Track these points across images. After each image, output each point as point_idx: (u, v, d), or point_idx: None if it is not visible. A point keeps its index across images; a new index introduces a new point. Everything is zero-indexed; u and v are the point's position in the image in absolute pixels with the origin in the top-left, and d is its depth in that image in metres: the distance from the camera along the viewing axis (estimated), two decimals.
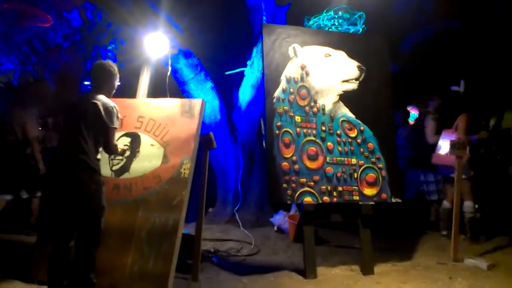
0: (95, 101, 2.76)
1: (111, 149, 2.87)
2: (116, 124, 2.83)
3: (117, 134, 3.42)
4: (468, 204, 4.50)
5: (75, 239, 2.74)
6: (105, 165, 3.39)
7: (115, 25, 5.10)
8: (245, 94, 5.20)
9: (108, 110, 2.77)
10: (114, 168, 3.41)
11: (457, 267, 3.77)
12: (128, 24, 4.21)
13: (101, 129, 2.76)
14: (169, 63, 3.93)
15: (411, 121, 6.54)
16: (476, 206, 4.62)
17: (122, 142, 3.41)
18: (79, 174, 2.66)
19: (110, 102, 2.83)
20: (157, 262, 2.98)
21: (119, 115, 2.91)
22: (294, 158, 3.59)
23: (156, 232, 3.07)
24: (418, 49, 5.98)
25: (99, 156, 2.82)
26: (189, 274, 3.31)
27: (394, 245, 4.50)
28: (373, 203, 3.73)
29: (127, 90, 4.03)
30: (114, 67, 2.95)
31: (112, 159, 3.42)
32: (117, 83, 3.01)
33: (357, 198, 3.70)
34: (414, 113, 6.71)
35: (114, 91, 3.03)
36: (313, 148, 3.68)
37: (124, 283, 2.96)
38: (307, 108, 3.75)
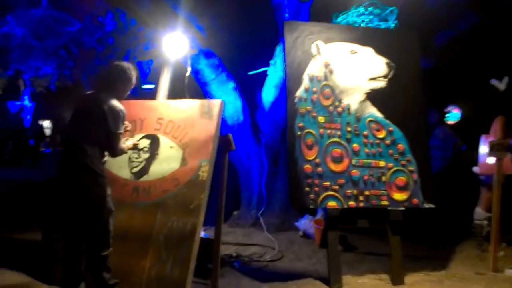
0: (102, 105, 2.71)
1: (115, 154, 2.84)
2: (121, 129, 2.80)
3: (137, 136, 3.42)
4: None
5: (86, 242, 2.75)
6: (125, 167, 3.38)
7: (147, 29, 5.10)
8: (268, 94, 5.09)
9: (115, 115, 2.73)
10: (134, 170, 3.38)
11: (497, 278, 3.50)
12: (148, 26, 4.18)
13: (105, 134, 2.72)
14: (189, 63, 3.86)
15: (451, 121, 6.18)
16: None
17: (142, 145, 3.38)
18: (84, 179, 2.66)
19: (117, 105, 2.77)
20: (175, 267, 2.91)
21: (125, 121, 2.86)
22: (317, 160, 3.43)
23: (174, 236, 3.00)
24: (453, 44, 5.65)
25: (105, 159, 2.80)
26: (209, 279, 3.21)
27: (427, 252, 4.25)
28: (403, 208, 3.51)
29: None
30: (131, 72, 2.89)
31: (132, 161, 3.39)
32: (129, 88, 2.96)
33: (386, 203, 3.49)
34: (456, 112, 6.32)
35: (126, 95, 2.98)
36: (338, 150, 3.50)
37: None
38: (331, 107, 3.57)
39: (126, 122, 3.10)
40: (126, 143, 3.01)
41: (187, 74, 3.85)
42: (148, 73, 6.69)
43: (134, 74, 2.92)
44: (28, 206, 5.60)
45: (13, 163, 12.87)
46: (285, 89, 3.58)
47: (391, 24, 4.37)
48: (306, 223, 4.65)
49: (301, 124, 3.47)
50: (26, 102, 15.44)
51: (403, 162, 3.61)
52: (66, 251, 2.79)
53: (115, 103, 2.77)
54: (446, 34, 5.50)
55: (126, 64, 2.89)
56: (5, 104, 15.38)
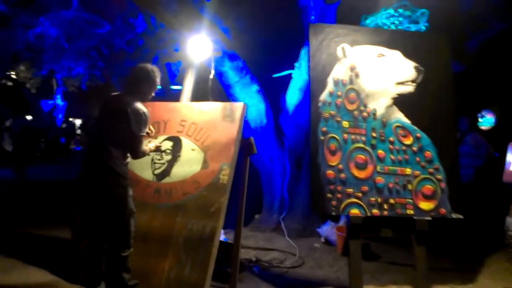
0: (126, 107, 2.74)
1: (138, 156, 2.86)
2: (144, 131, 2.81)
3: (160, 138, 3.45)
4: None
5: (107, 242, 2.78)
6: (148, 168, 3.42)
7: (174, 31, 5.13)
8: (292, 97, 5.02)
9: (138, 118, 2.75)
10: (156, 172, 3.41)
11: None
12: (173, 28, 4.20)
13: (128, 135, 2.73)
14: (213, 66, 3.85)
15: (484, 126, 5.92)
16: None
17: (164, 146, 3.40)
18: (106, 179, 2.70)
19: (141, 108, 2.79)
20: (193, 270, 2.90)
21: (147, 123, 2.87)
22: (340, 166, 3.34)
23: (193, 239, 3.01)
24: (487, 47, 5.40)
25: (128, 160, 2.82)
26: (228, 283, 3.19)
27: (454, 265, 4.08)
28: (430, 218, 3.37)
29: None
30: (155, 74, 2.90)
31: (154, 163, 3.42)
32: (154, 91, 2.97)
33: (412, 212, 3.36)
34: (489, 117, 6.05)
35: (150, 97, 2.99)
36: (362, 156, 3.40)
37: None
38: (356, 112, 3.48)
39: (149, 126, 3.14)
40: (149, 145, 3.03)
41: (211, 76, 3.84)
42: (176, 74, 6.74)
43: (158, 76, 2.93)
44: (60, 203, 5.74)
45: (46, 160, 13.30)
46: (309, 93, 3.51)
47: (422, 26, 4.23)
48: (328, 230, 4.56)
49: (324, 129, 3.39)
50: (59, 101, 15.92)
51: (430, 170, 3.47)
52: (88, 250, 2.85)
53: (139, 105, 2.79)
54: (480, 36, 5.26)
55: (150, 67, 2.90)
56: (39, 103, 15.92)
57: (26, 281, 3.37)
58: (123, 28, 6.13)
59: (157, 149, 3.20)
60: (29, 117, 17.10)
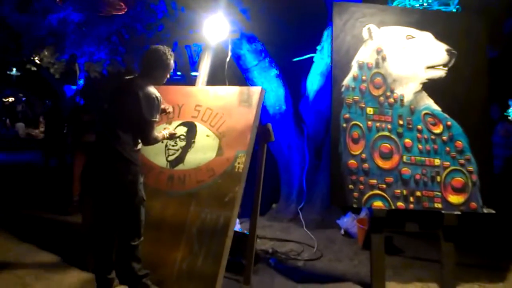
0: (137, 91, 2.61)
1: (149, 142, 2.73)
2: (156, 117, 2.68)
3: (174, 123, 3.33)
4: None
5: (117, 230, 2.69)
6: (162, 154, 3.31)
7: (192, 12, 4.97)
8: (313, 82, 4.81)
9: (150, 102, 2.61)
10: (170, 158, 3.30)
11: None
12: (190, 8, 4.03)
13: (139, 121, 2.61)
14: (230, 48, 3.68)
15: None
16: None
17: (179, 132, 3.28)
18: (116, 165, 2.59)
19: (153, 92, 2.66)
20: (207, 261, 2.80)
21: (163, 106, 2.78)
22: (363, 155, 3.14)
23: (206, 229, 2.90)
24: None
25: (139, 147, 2.71)
26: (242, 275, 3.07)
27: (483, 261, 3.84)
28: (459, 213, 3.14)
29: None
30: (168, 56, 2.76)
31: (168, 149, 3.31)
32: (167, 74, 2.84)
33: (440, 206, 3.14)
34: None
35: (164, 81, 2.86)
36: (387, 145, 3.19)
37: (171, 281, 2.84)
38: (381, 98, 3.26)
39: (166, 105, 3.06)
40: (163, 132, 2.91)
41: (228, 59, 3.67)
42: (196, 60, 6.63)
43: (171, 58, 2.78)
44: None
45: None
46: (331, 77, 3.31)
47: (453, 9, 3.95)
48: (348, 222, 4.37)
49: (347, 116, 3.19)
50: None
51: (461, 161, 3.24)
52: (98, 238, 2.77)
53: (151, 89, 2.66)
54: None
55: (162, 49, 2.75)
56: (62, 88, 16.13)
57: (40, 267, 3.34)
58: (143, 13, 6.05)
59: (172, 137, 3.07)
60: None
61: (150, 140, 2.70)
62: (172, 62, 2.81)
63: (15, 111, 20.14)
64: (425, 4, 4.09)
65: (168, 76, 2.87)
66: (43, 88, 15.58)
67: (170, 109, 3.18)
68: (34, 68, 12.23)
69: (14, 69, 17.15)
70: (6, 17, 6.79)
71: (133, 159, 2.63)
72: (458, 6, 3.92)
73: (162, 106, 2.81)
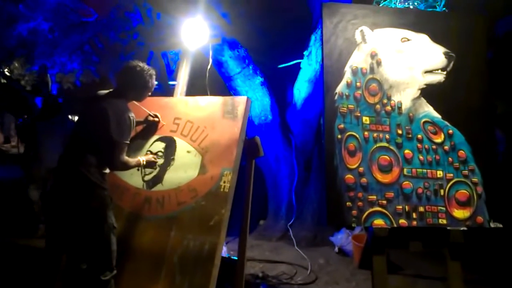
0: (107, 108, 2.31)
1: (115, 167, 2.42)
2: (127, 139, 2.38)
3: (151, 139, 2.99)
4: None
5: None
6: (137, 174, 2.97)
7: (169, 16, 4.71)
8: (301, 90, 4.56)
9: (120, 122, 2.32)
10: (146, 178, 2.95)
11: None
12: (167, 13, 3.73)
13: (106, 141, 2.30)
14: (210, 55, 3.37)
15: None
16: None
17: (156, 148, 2.95)
18: (80, 190, 2.28)
19: (125, 111, 2.37)
20: None
21: (150, 114, 2.64)
22: (361, 169, 2.86)
23: (189, 257, 2.58)
24: None
25: (108, 170, 2.37)
26: None
27: (491, 278, 3.63)
28: (465, 228, 2.89)
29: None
30: (145, 77, 2.50)
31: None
32: (147, 94, 2.59)
33: (444, 221, 2.88)
34: None
35: (143, 99, 2.63)
36: (386, 156, 2.92)
37: None
38: (378, 106, 3.00)
39: (155, 113, 2.88)
40: (140, 158, 2.62)
41: (209, 66, 3.36)
42: (173, 69, 6.38)
43: (150, 79, 2.54)
44: None
45: None
46: (322, 85, 3.03)
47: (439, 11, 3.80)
48: (343, 239, 4.09)
49: (341, 126, 2.91)
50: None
51: (465, 172, 2.99)
52: (67, 272, 2.41)
53: (123, 107, 2.38)
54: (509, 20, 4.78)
55: (140, 67, 2.48)
56: (34, 100, 15.50)
57: None
58: (117, 21, 5.77)
59: (150, 165, 2.76)
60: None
61: (116, 165, 2.38)
62: (152, 81, 2.56)
63: None
64: (411, 6, 3.98)
65: (149, 94, 2.61)
66: (14, 101, 14.93)
67: (158, 119, 2.95)
68: (3, 80, 11.80)
69: None
70: None
71: (99, 182, 2.30)
72: (444, 9, 3.80)
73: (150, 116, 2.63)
